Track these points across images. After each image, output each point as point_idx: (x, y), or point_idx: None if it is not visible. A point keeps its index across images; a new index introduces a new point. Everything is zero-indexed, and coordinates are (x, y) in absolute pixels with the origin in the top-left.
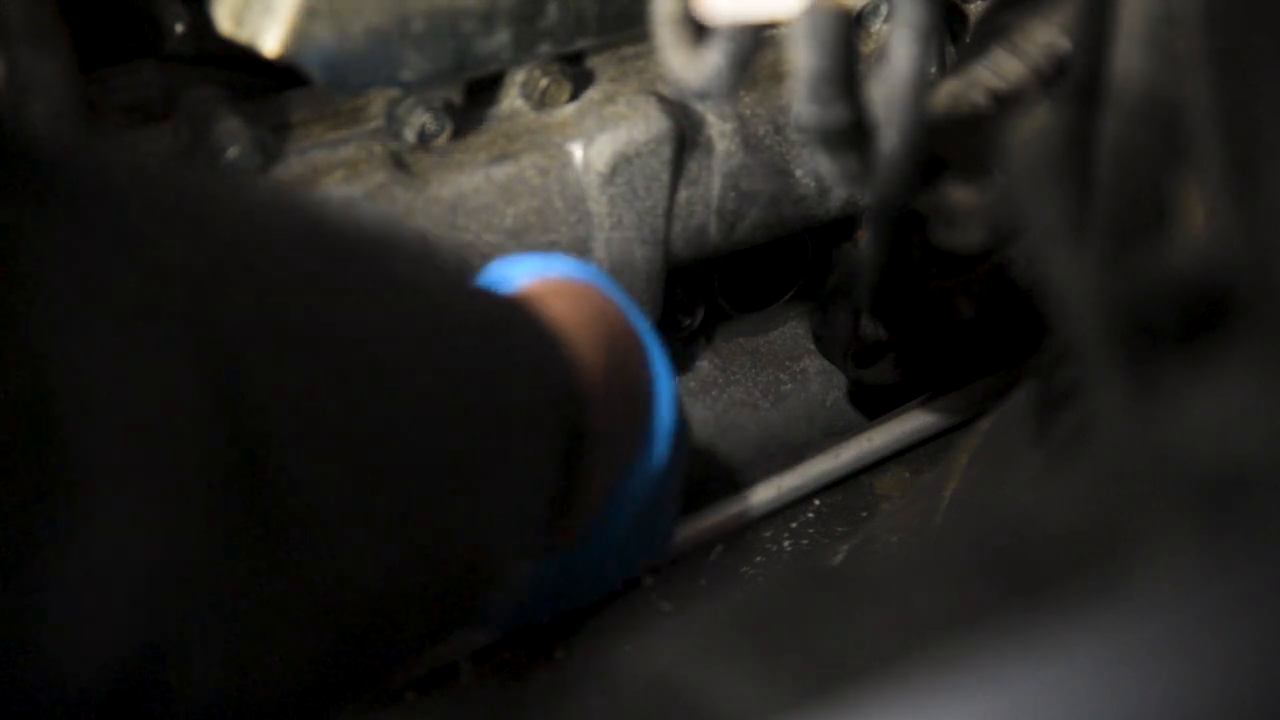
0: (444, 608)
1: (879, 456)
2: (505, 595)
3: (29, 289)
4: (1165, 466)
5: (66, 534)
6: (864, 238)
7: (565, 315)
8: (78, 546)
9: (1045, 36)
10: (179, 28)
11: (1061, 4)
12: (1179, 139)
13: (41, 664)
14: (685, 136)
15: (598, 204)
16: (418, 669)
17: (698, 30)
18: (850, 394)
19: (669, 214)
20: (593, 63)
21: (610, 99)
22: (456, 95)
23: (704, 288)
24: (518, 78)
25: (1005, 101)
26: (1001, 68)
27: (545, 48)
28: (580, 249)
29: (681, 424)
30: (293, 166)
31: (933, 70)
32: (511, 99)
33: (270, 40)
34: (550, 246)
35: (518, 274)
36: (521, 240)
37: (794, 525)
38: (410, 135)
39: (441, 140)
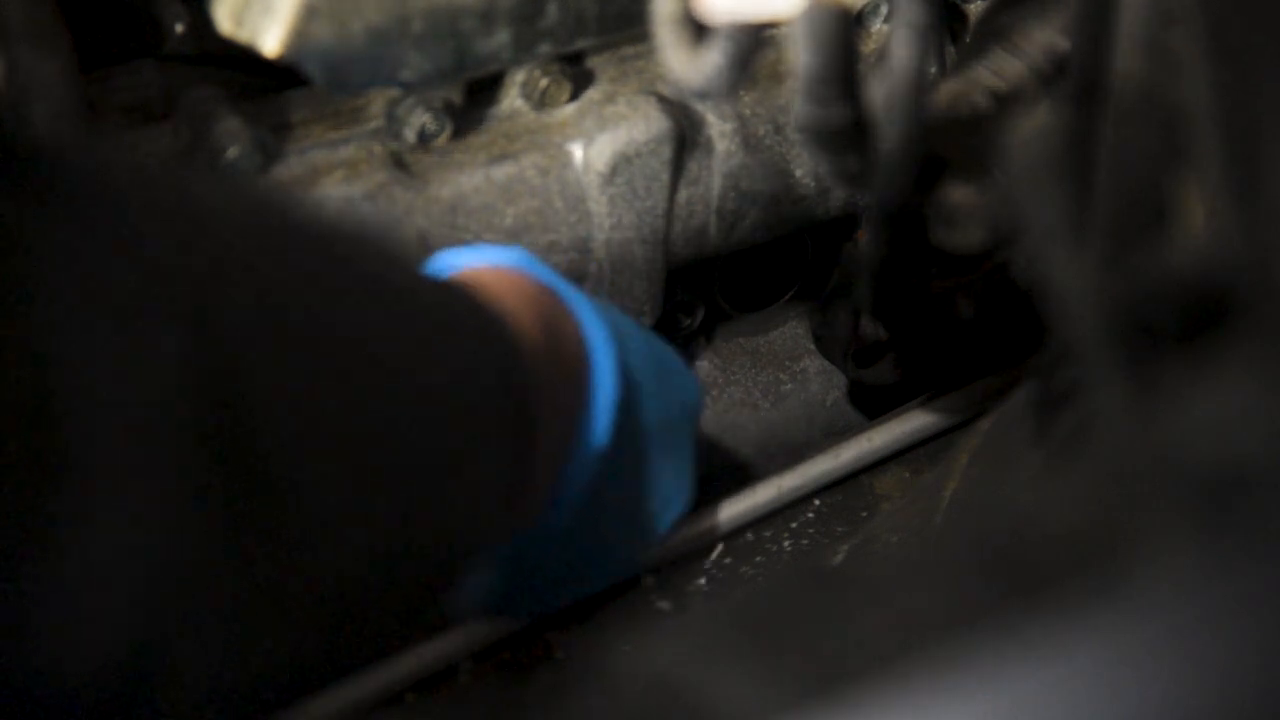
0: (418, 592)
1: (879, 456)
2: (472, 579)
3: (29, 289)
4: (1165, 466)
5: (66, 533)
6: (864, 238)
7: (505, 301)
8: (77, 546)
9: (1045, 36)
10: (179, 28)
11: (1061, 4)
12: (1179, 139)
13: (40, 662)
14: (685, 136)
15: (598, 204)
16: (418, 670)
17: (698, 30)
18: (850, 394)
19: (669, 214)
20: (593, 63)
21: (610, 99)
22: (456, 95)
23: (704, 288)
24: (518, 78)
25: (1005, 101)
26: (1001, 68)
27: (545, 48)
28: (580, 249)
29: (631, 396)
30: (293, 166)
31: (933, 70)
32: (511, 99)
33: (270, 40)
34: (550, 246)
35: (451, 265)
36: (521, 240)
37: (794, 525)
38: (410, 135)
39: (441, 140)
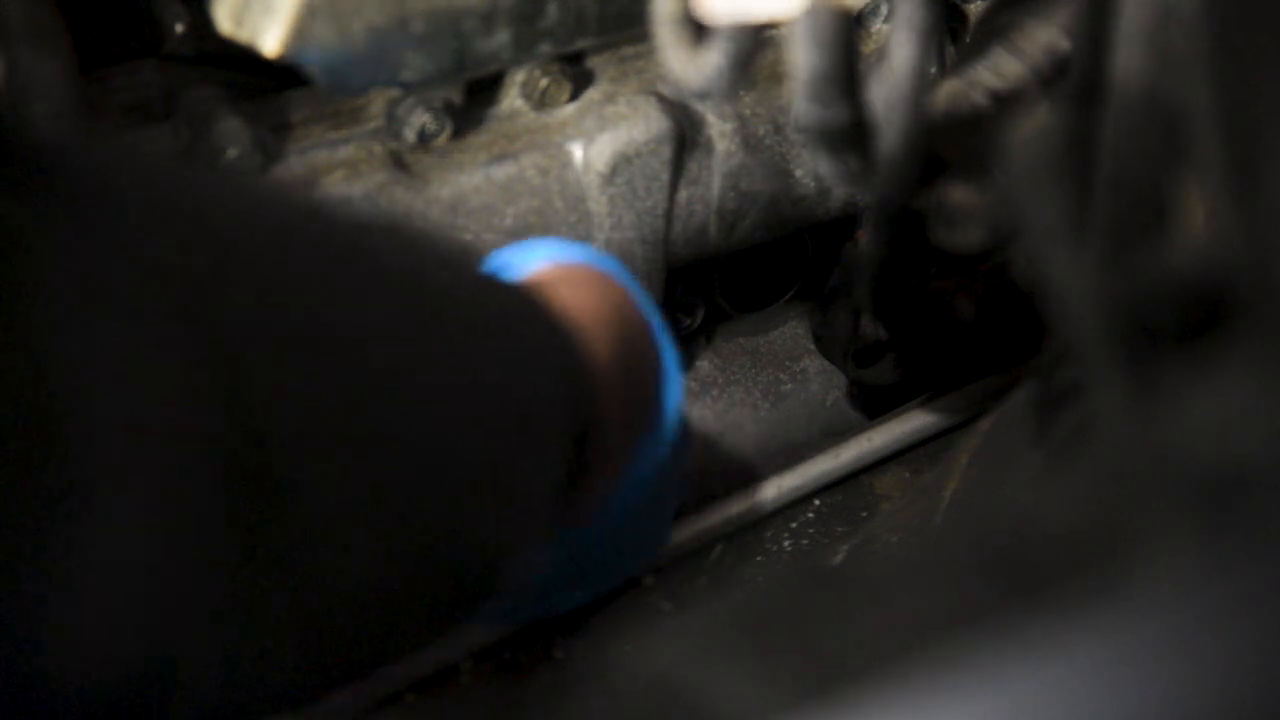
0: (449, 601)
1: (879, 456)
2: (511, 587)
3: (30, 289)
4: (1165, 466)
5: (69, 536)
6: (864, 238)
7: (575, 302)
8: (80, 548)
9: (1045, 36)
10: (179, 28)
11: (1061, 4)
12: (1179, 139)
13: (46, 667)
14: (685, 136)
15: (598, 204)
16: (418, 669)
17: (698, 30)
18: (850, 394)
19: (669, 214)
20: (593, 63)
21: (610, 99)
22: (456, 95)
23: (704, 288)
24: (518, 78)
25: (1005, 101)
26: (1001, 68)
27: (545, 48)
28: None
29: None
30: (293, 166)
31: (933, 70)
32: (511, 99)
33: (270, 40)
34: None
35: (527, 260)
36: (521, 240)
37: (794, 525)
38: (410, 135)
39: (441, 140)
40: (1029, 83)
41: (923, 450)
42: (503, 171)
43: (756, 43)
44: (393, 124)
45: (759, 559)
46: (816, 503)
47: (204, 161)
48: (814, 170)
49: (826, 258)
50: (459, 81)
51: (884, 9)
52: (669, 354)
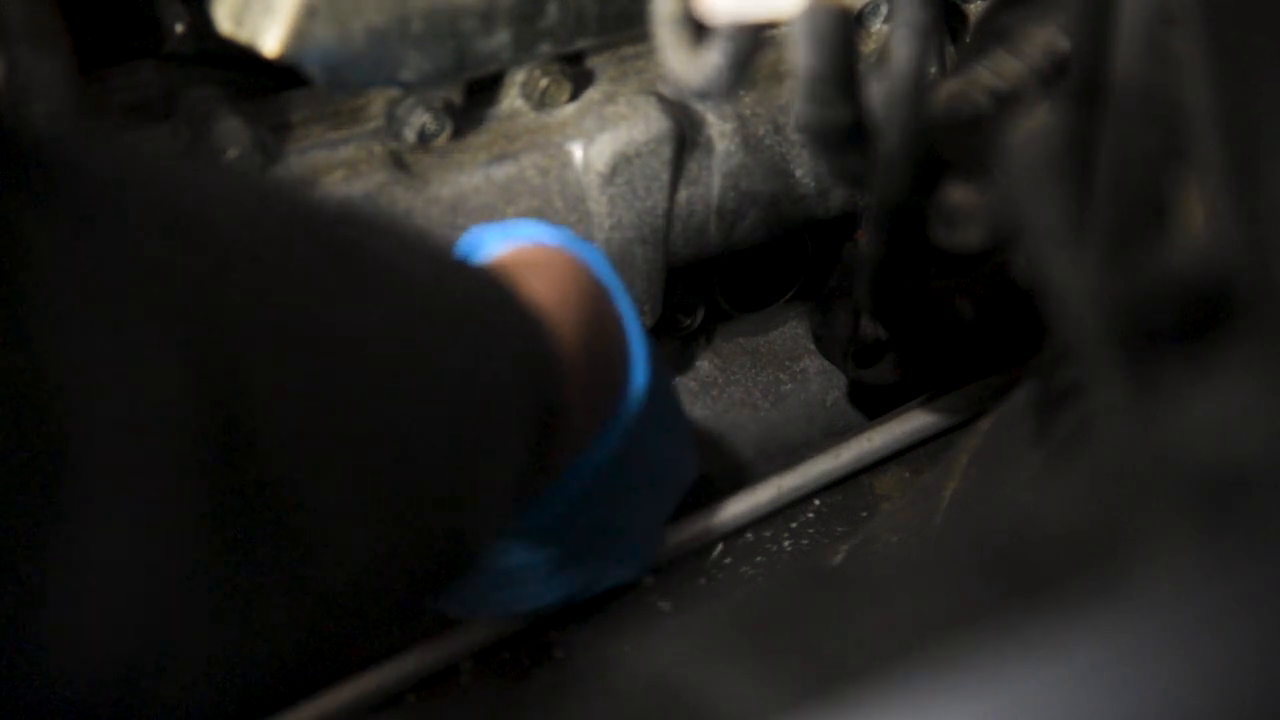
0: (422, 582)
1: (879, 456)
2: (479, 566)
3: (30, 289)
4: (1165, 466)
5: (66, 535)
6: (864, 238)
7: (540, 286)
8: (77, 547)
9: (1045, 36)
10: (179, 28)
11: (1061, 4)
12: (1179, 139)
13: (40, 665)
14: (685, 136)
15: (598, 204)
16: (418, 670)
17: (698, 30)
18: (850, 394)
19: (669, 214)
20: (593, 63)
21: (610, 99)
22: (456, 95)
23: (704, 288)
24: (518, 78)
25: (1005, 101)
26: (1001, 68)
27: (545, 48)
28: None
29: (660, 384)
30: (293, 166)
31: (933, 70)
32: (511, 99)
33: (270, 40)
34: None
35: (490, 242)
36: None
37: (794, 525)
38: (410, 135)
39: (441, 140)
40: (1029, 83)
41: (923, 450)
42: (503, 171)
43: (756, 43)
44: (393, 124)
45: (759, 559)
46: (816, 503)
47: (203, 160)
48: (814, 170)
49: (826, 258)
50: (459, 81)
51: (884, 9)
52: (634, 326)
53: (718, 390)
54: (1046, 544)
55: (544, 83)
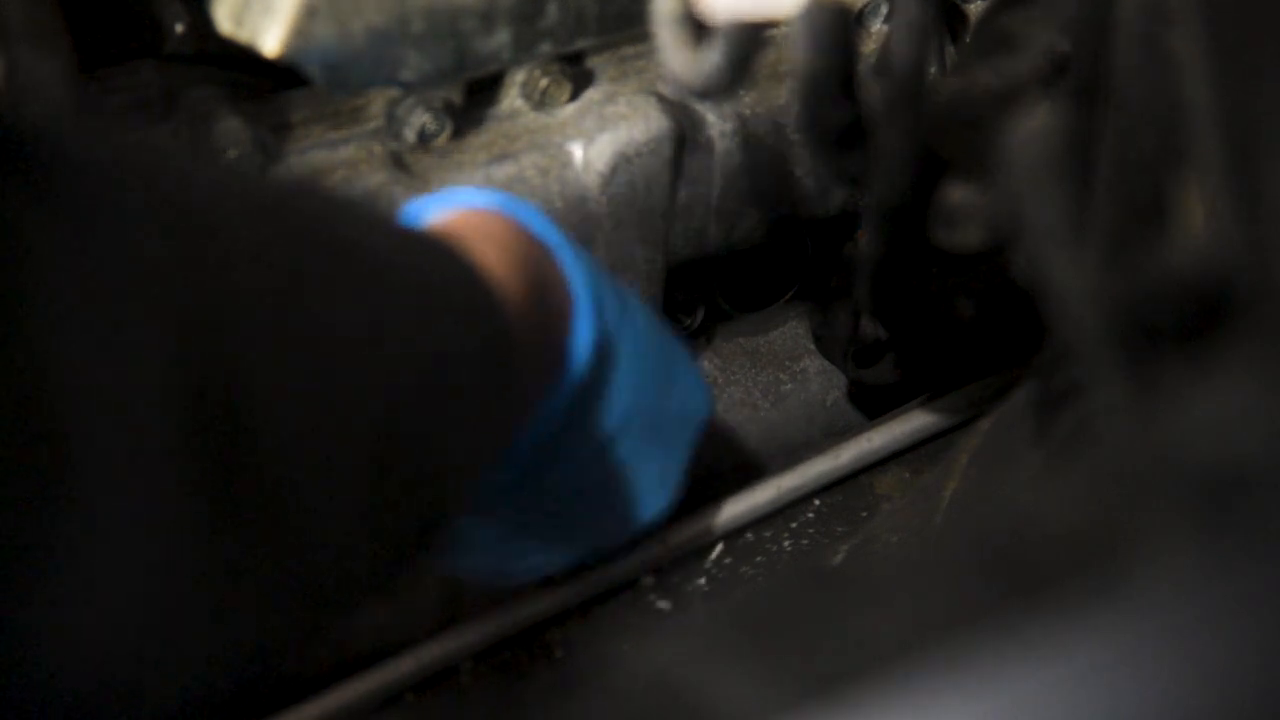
0: (403, 550)
1: (879, 456)
2: (455, 524)
3: (30, 289)
4: (1165, 466)
5: (64, 535)
6: (864, 238)
7: (489, 255)
8: (77, 546)
9: (1045, 36)
10: (179, 28)
11: (1061, 4)
12: (1179, 139)
13: (40, 663)
14: (685, 136)
15: (598, 204)
16: (418, 670)
17: (698, 30)
18: (850, 394)
19: (669, 214)
20: (593, 63)
21: (610, 99)
22: (456, 95)
23: (704, 288)
24: (518, 78)
25: (1005, 101)
26: (1001, 68)
27: (545, 48)
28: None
29: (637, 335)
30: (293, 166)
31: (933, 70)
32: (511, 99)
33: (270, 40)
34: None
35: (429, 211)
36: None
37: (794, 525)
38: (410, 135)
39: (441, 140)
40: (1029, 83)
41: (923, 450)
42: (503, 171)
43: (756, 42)
44: (393, 124)
45: (759, 559)
46: (816, 503)
47: (203, 159)
48: (814, 170)
49: (826, 258)
50: (459, 81)
51: (884, 9)
52: (582, 293)
53: (718, 390)
54: (1046, 544)
55: (544, 83)
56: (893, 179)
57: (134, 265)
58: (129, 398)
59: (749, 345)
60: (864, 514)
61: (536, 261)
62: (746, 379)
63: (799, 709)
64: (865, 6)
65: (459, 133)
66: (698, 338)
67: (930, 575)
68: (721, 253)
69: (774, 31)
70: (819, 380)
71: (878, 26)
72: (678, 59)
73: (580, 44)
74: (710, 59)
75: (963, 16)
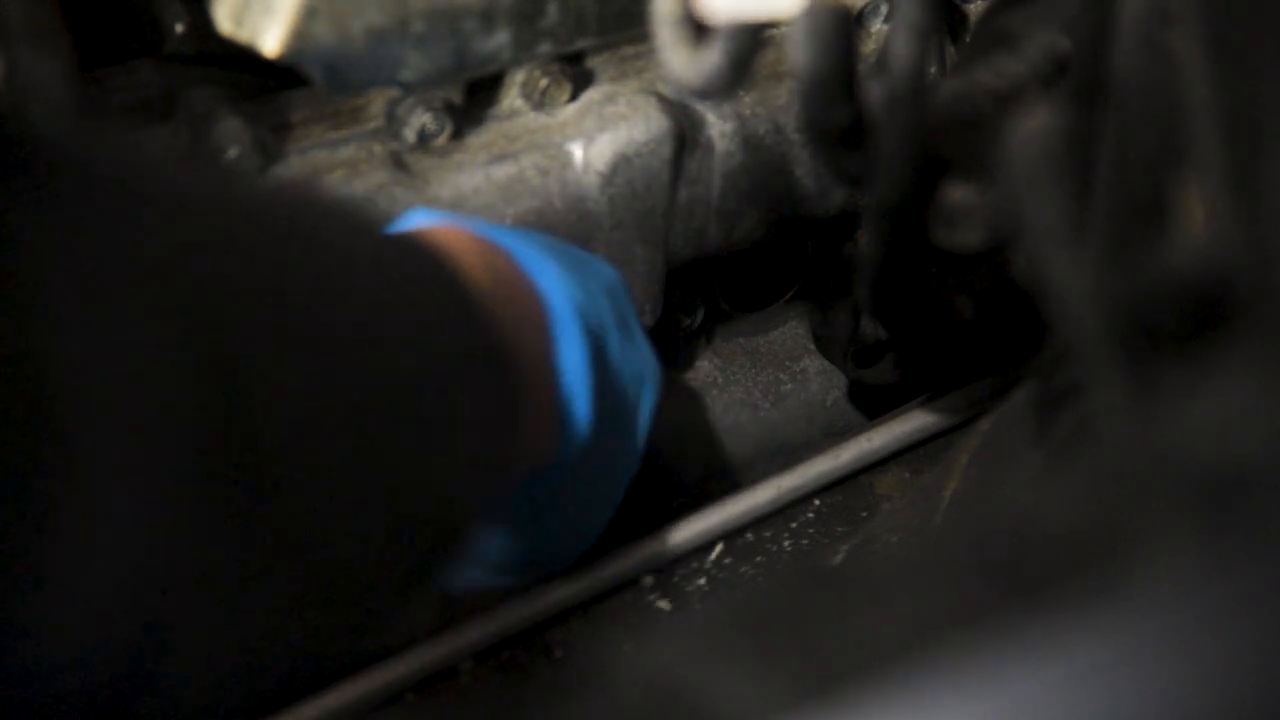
0: (417, 562)
1: (879, 456)
2: (483, 540)
3: (30, 287)
4: (1165, 466)
5: (66, 530)
6: (864, 238)
7: (474, 266)
8: (77, 543)
9: (1045, 36)
10: (179, 28)
11: (1061, 4)
12: (1179, 139)
13: (39, 658)
14: (685, 136)
15: (598, 204)
16: (418, 670)
17: (698, 30)
18: (850, 394)
19: (669, 214)
20: (593, 63)
21: (610, 99)
22: (456, 95)
23: (704, 288)
24: (518, 78)
25: (1005, 101)
26: (1001, 68)
27: (545, 48)
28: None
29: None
30: (293, 166)
31: (933, 70)
32: (511, 99)
33: (270, 40)
34: None
35: (397, 227)
36: None
37: (794, 525)
38: (410, 135)
39: (441, 140)
40: (1029, 83)
41: (923, 450)
42: (503, 171)
43: (756, 42)
44: (393, 124)
45: (759, 559)
46: (816, 503)
47: (204, 160)
48: (814, 170)
49: (826, 258)
50: (459, 81)
51: (884, 9)
52: (562, 315)
53: (718, 390)
54: (1046, 544)
55: (544, 83)
56: (893, 179)
57: (134, 265)
58: (129, 398)
59: (749, 345)
60: (864, 514)
61: (494, 255)
62: (746, 379)
63: (799, 709)
64: (865, 6)
65: (459, 133)
66: (698, 338)
67: (930, 575)
68: (721, 253)
69: (774, 31)
70: (819, 380)
71: (878, 26)
72: (678, 59)
73: (580, 44)
74: (710, 59)
75: (963, 16)
